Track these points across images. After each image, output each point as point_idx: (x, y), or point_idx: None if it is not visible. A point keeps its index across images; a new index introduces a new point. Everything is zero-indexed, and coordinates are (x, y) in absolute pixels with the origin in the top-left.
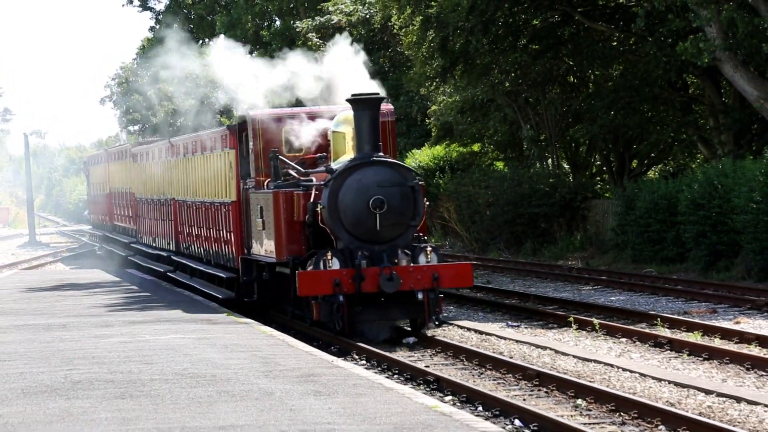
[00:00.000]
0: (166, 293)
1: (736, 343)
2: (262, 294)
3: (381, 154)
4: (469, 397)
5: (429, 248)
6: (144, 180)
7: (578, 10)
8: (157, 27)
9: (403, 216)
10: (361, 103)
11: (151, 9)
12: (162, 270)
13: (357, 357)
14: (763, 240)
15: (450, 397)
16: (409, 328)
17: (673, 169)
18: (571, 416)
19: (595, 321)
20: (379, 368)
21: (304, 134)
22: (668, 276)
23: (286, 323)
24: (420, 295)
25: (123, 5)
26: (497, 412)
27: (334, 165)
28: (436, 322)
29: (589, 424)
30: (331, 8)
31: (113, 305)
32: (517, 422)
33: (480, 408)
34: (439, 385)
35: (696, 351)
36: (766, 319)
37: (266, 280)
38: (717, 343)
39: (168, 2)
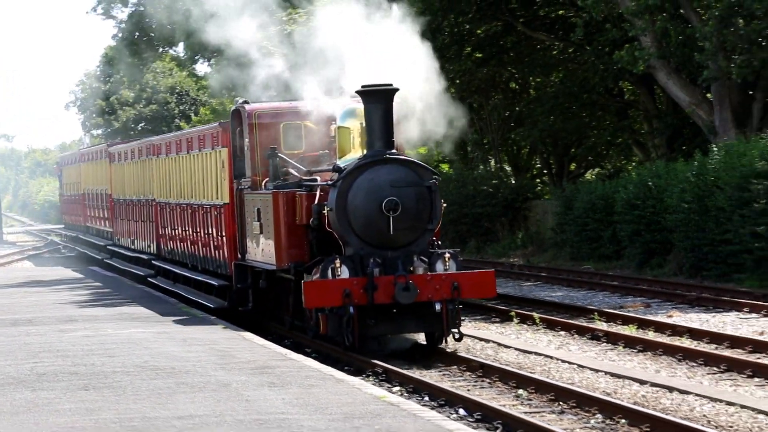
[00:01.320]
0: (127, 289)
1: (669, 335)
2: (258, 303)
3: (394, 151)
4: (416, 388)
5: (447, 254)
6: (122, 180)
7: (520, 20)
8: (119, 36)
9: (419, 219)
10: (373, 95)
11: (113, 17)
12: (142, 274)
13: (308, 350)
14: (693, 238)
15: (398, 388)
16: (424, 342)
17: (609, 171)
18: (513, 405)
19: (536, 315)
20: (330, 361)
21: (304, 130)
22: (605, 272)
23: (285, 335)
24: (438, 307)
25: (87, 12)
26: (443, 402)
27: (341, 163)
28: (456, 336)
29: (530, 413)
30: (285, 18)
31: (77, 301)
32: (461, 411)
33: (426, 398)
34: (387, 377)
35: (631, 343)
36: (697, 312)
37: (263, 288)
38: (650, 335)
39: (130, 12)
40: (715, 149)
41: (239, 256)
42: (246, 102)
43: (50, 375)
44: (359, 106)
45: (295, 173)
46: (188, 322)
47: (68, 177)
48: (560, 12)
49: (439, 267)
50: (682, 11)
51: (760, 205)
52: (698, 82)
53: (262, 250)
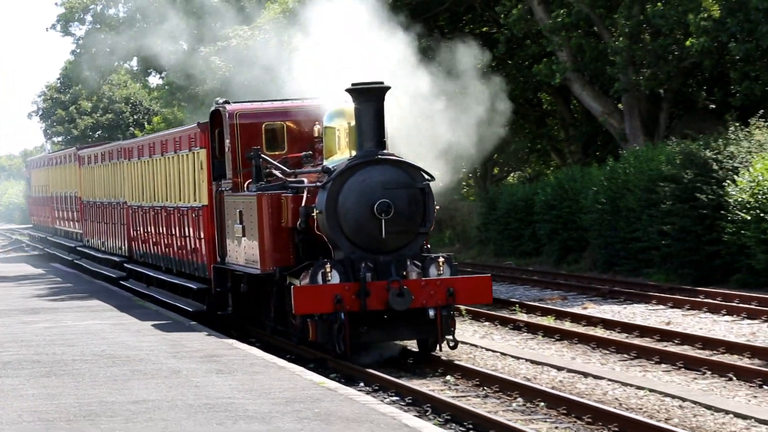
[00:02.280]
0: (85, 284)
1: (584, 325)
2: (237, 306)
3: (386, 151)
4: (352, 375)
5: (441, 259)
6: (92, 183)
7: (448, 37)
8: (78, 51)
9: (412, 222)
10: (364, 94)
11: (72, 34)
12: (114, 276)
13: (253, 340)
14: (606, 236)
15: (334, 374)
16: (416, 349)
17: (529, 174)
18: (441, 390)
19: (462, 307)
20: (274, 349)
21: (287, 130)
22: (525, 267)
23: (266, 339)
24: (432, 313)
25: (47, 29)
26: (377, 387)
27: (329, 164)
28: (452, 343)
29: (457, 397)
30: (231, 34)
31: (39, 295)
32: (393, 396)
33: (362, 384)
34: (325, 365)
35: (549, 333)
36: (610, 304)
37: (244, 292)
38: (567, 325)
39: (89, 27)
40: (626, 155)
41: (218, 259)
42: (227, 102)
43: (15, 363)
44: (346, 106)
45: (279, 175)
46: (141, 314)
47: (37, 180)
48: (484, 29)
49: (433, 272)
50: (595, 28)
51: (666, 206)
52: (610, 93)
53: (244, 254)
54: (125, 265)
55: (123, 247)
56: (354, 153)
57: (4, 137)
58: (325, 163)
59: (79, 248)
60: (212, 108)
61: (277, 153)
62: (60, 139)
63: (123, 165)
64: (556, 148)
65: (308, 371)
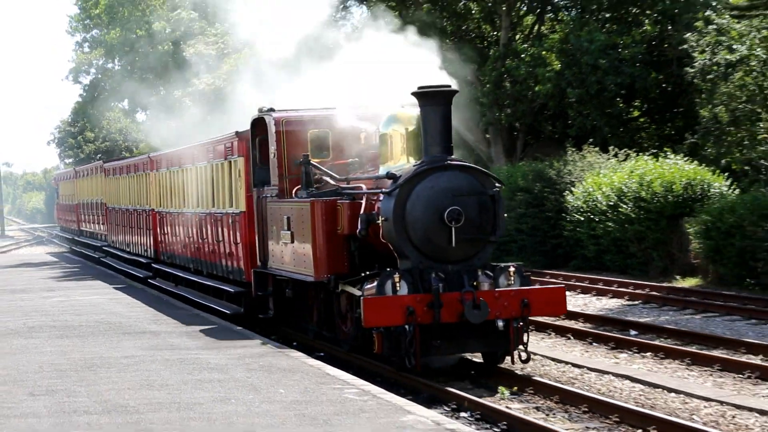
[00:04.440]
0: (90, 269)
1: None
2: (277, 310)
3: (454, 156)
4: (293, 340)
5: (512, 268)
6: (117, 191)
7: None
8: (85, 94)
9: (482, 230)
10: (431, 97)
11: (80, 82)
12: (141, 276)
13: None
14: None
15: (275, 336)
16: (479, 360)
17: None
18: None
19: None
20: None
21: (333, 137)
22: None
23: (309, 344)
24: (501, 324)
25: (62, 79)
26: (308, 348)
27: (386, 170)
28: (524, 356)
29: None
30: (196, 81)
31: (55, 277)
32: (322, 356)
33: (295, 343)
34: (275, 331)
35: None
36: None
37: (287, 297)
38: None
39: (92, 77)
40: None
41: (259, 263)
42: (271, 110)
43: (37, 328)
44: (403, 111)
45: (330, 181)
46: (130, 291)
47: (64, 190)
48: None
49: (502, 282)
50: (468, 77)
51: (521, 210)
52: (479, 126)
53: (293, 260)
54: (153, 265)
55: (149, 249)
56: (411, 159)
57: (29, 159)
58: (381, 169)
59: (104, 248)
60: (254, 116)
61: (321, 160)
62: (70, 160)
63: (149, 175)
64: None
65: (259, 336)
